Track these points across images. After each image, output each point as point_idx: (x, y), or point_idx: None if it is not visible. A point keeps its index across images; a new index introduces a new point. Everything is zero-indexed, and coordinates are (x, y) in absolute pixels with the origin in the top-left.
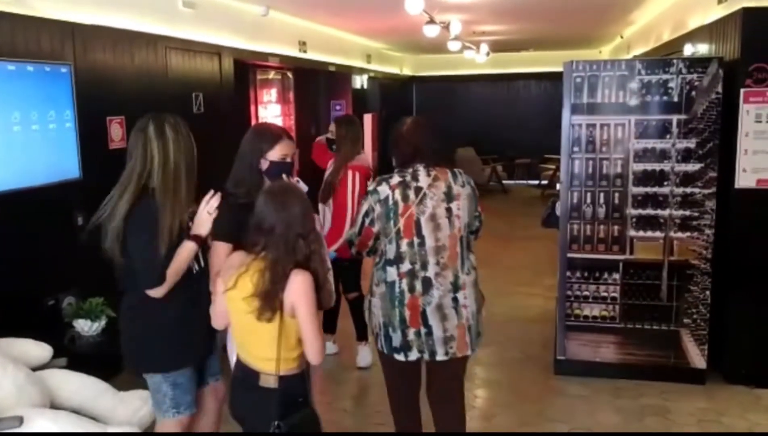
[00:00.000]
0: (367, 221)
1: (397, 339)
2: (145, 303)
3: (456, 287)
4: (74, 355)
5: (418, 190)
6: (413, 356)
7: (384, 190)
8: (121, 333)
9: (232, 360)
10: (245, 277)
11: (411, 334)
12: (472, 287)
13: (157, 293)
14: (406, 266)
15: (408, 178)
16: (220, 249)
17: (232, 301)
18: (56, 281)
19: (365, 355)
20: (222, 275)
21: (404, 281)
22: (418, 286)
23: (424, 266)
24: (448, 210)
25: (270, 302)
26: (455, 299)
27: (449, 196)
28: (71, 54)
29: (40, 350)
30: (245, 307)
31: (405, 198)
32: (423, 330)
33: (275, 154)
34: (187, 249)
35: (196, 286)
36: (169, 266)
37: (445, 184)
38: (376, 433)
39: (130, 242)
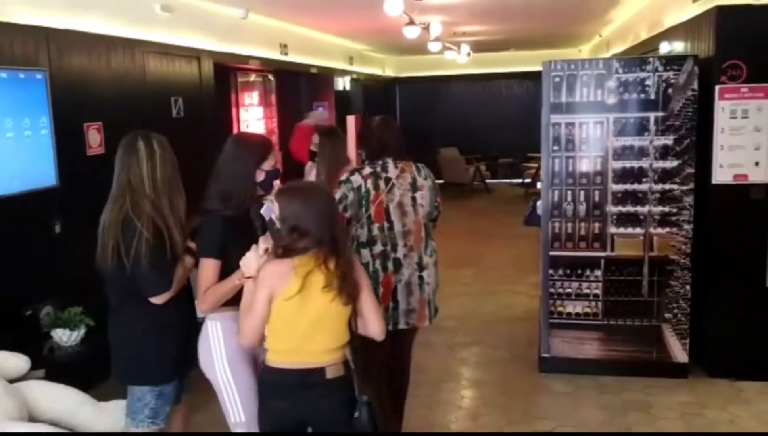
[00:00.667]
0: (341, 207)
1: None
2: (140, 316)
3: (421, 266)
4: (53, 365)
5: (387, 180)
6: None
7: (357, 179)
8: (113, 346)
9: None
10: (310, 276)
11: (381, 310)
12: (434, 267)
13: (160, 299)
14: (378, 248)
15: (378, 169)
16: (209, 266)
17: (304, 301)
18: (34, 291)
19: None
20: (264, 288)
21: (377, 262)
22: (390, 265)
23: (394, 248)
24: (413, 199)
25: (350, 282)
26: (421, 278)
27: (414, 187)
28: (46, 60)
29: (17, 361)
30: (323, 299)
31: (376, 187)
32: (391, 305)
33: (269, 163)
34: (234, 280)
35: (187, 296)
36: (209, 288)
37: (410, 176)
38: (387, 433)
39: (134, 252)
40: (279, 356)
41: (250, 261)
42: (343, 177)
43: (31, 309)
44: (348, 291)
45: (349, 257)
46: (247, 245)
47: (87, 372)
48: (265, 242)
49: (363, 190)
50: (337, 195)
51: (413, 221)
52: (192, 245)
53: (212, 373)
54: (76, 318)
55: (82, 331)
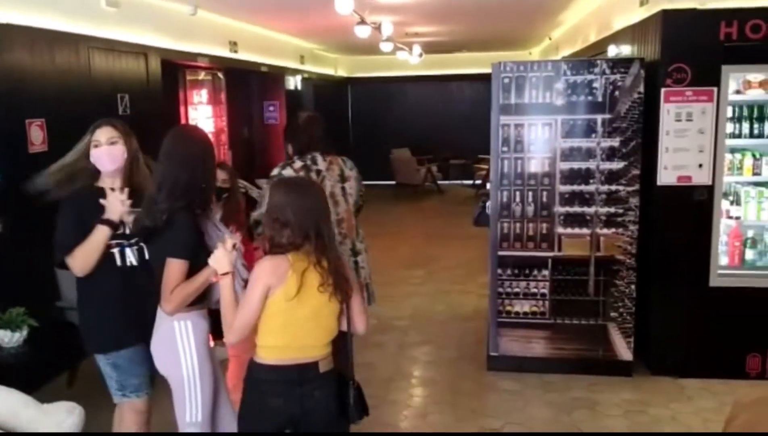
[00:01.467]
0: None
1: None
2: (79, 287)
3: (355, 252)
4: None
5: (318, 172)
6: None
7: (289, 173)
8: None
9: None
10: (306, 273)
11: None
12: (365, 253)
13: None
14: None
15: (308, 162)
16: (179, 267)
17: (301, 299)
18: None
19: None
20: (260, 285)
21: None
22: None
23: None
24: (343, 189)
25: (343, 280)
26: (356, 262)
27: (342, 178)
28: None
29: None
30: (319, 297)
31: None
32: None
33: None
34: (99, 231)
35: (129, 278)
36: (80, 245)
37: (338, 168)
38: (387, 433)
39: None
40: (273, 353)
41: (221, 258)
42: (275, 171)
43: None
44: (342, 289)
45: (337, 254)
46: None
47: (30, 374)
48: (231, 238)
49: None
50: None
51: (345, 210)
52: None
53: (176, 371)
54: (18, 319)
55: (25, 332)
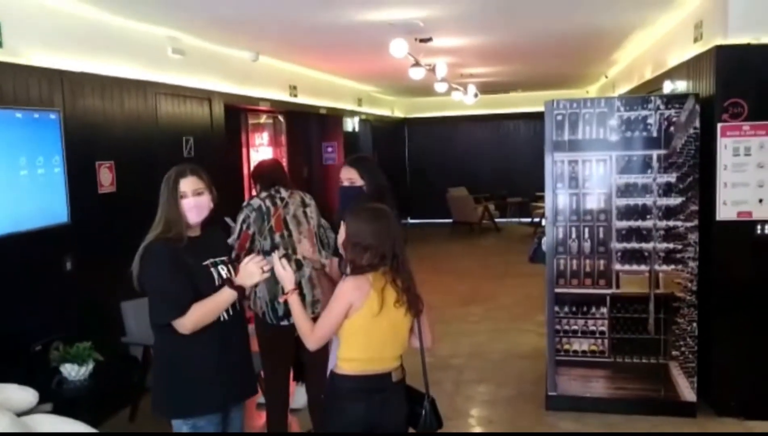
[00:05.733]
0: (245, 226)
1: (281, 309)
2: (168, 344)
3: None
4: (60, 400)
5: (282, 199)
6: (292, 320)
7: (256, 202)
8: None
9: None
10: (385, 291)
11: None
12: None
13: (179, 328)
14: (281, 252)
15: (273, 193)
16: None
17: (381, 315)
18: (44, 326)
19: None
20: (343, 301)
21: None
22: (293, 265)
23: (294, 251)
24: (305, 212)
25: (415, 296)
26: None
27: (304, 204)
28: (60, 100)
29: (25, 395)
30: (396, 312)
31: (273, 204)
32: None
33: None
34: (225, 296)
35: (225, 334)
36: (200, 305)
37: (299, 197)
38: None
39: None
40: (356, 365)
41: (286, 276)
42: (245, 203)
43: (41, 344)
44: (415, 305)
45: (410, 273)
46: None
47: (94, 407)
48: (271, 260)
49: (264, 208)
50: (240, 217)
51: (307, 229)
52: (246, 282)
53: None
54: (84, 353)
55: (91, 366)
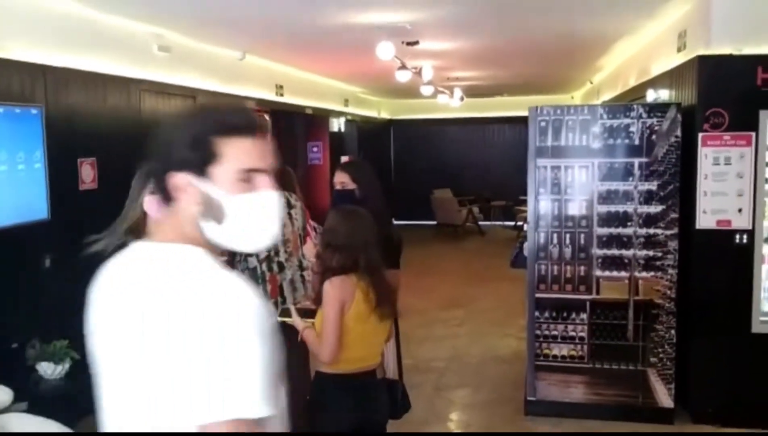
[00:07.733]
0: None
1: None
2: None
3: (302, 267)
4: (36, 398)
5: None
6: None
7: None
8: None
9: None
10: (369, 293)
11: (270, 304)
12: (310, 269)
13: None
14: (263, 254)
15: None
16: None
17: (369, 315)
18: (21, 324)
19: None
20: (335, 302)
21: (264, 264)
22: (275, 267)
23: (277, 253)
24: (290, 214)
25: (392, 297)
26: (302, 277)
27: (289, 205)
28: (43, 96)
29: (0, 394)
30: (377, 312)
31: None
32: (279, 300)
33: None
34: None
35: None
36: None
37: (285, 197)
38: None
39: None
40: (342, 365)
41: (295, 320)
42: None
43: (17, 342)
44: (393, 305)
45: (383, 276)
46: None
47: (70, 406)
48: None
49: None
50: None
51: (291, 232)
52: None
53: None
54: (61, 351)
55: (67, 365)
